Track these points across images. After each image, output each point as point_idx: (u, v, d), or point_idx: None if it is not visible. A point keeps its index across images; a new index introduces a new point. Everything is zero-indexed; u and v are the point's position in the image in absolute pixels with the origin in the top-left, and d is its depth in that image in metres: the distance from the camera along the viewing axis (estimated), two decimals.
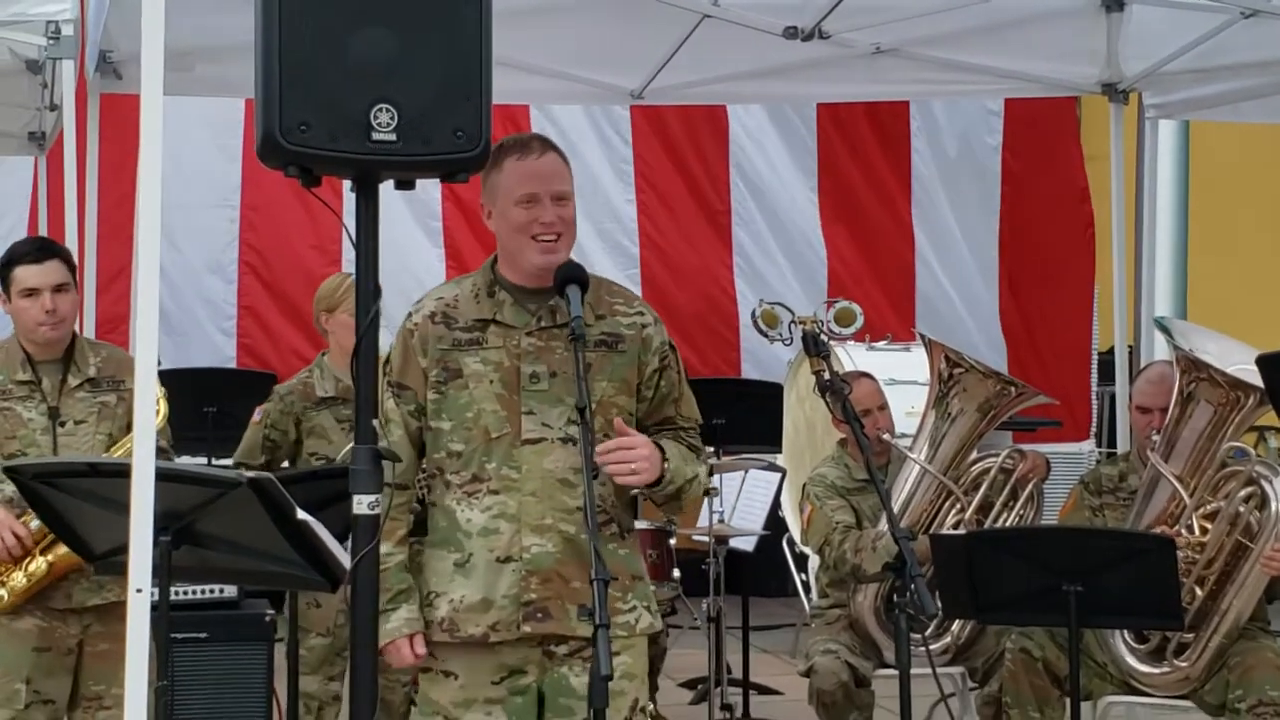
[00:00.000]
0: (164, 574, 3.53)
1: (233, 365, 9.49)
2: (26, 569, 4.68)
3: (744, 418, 7.39)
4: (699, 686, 7.62)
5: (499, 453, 3.73)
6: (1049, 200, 10.50)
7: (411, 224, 9.69)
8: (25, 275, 4.75)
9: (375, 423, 3.36)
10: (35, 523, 4.61)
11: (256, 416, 5.72)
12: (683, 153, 10.38)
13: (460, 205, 9.81)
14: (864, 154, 10.51)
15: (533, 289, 3.79)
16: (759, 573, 8.45)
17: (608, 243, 10.06)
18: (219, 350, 9.49)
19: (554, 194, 3.76)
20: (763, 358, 10.13)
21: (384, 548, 3.60)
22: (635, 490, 3.83)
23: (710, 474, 6.75)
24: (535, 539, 3.71)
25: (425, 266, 9.66)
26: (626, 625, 3.80)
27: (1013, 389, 5.72)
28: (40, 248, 4.84)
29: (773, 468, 7.51)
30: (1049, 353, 10.35)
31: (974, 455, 5.82)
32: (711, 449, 7.31)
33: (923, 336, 6.14)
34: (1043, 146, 10.50)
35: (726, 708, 6.83)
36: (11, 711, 4.72)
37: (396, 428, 3.78)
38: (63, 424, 4.77)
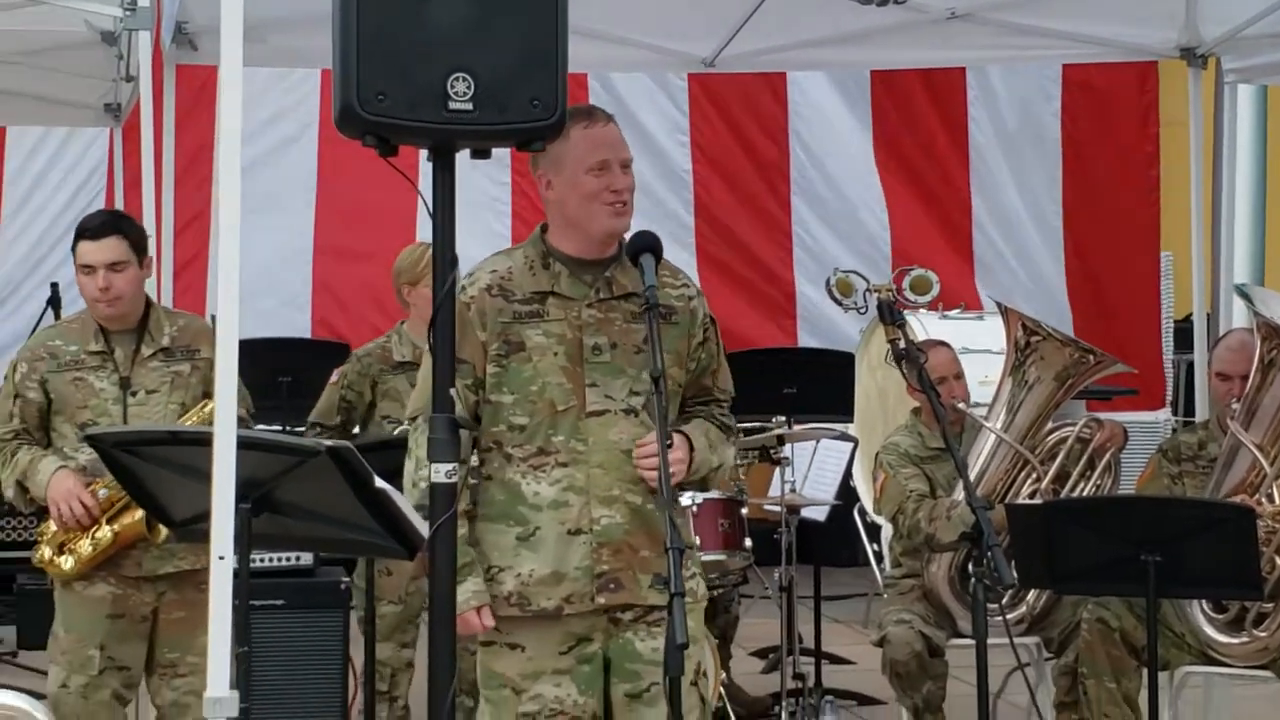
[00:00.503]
0: (244, 542, 3.55)
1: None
2: (93, 536, 4.74)
3: (815, 387, 7.37)
4: (770, 656, 7.62)
5: (565, 425, 3.73)
6: (1112, 167, 10.38)
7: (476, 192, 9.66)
8: (83, 251, 4.79)
9: (452, 391, 3.38)
10: (103, 492, 4.68)
11: (334, 378, 5.83)
12: (740, 122, 10.32)
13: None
14: (922, 122, 10.42)
15: (588, 260, 3.79)
16: (830, 542, 8.42)
17: (663, 211, 10.03)
18: (293, 324, 9.53)
19: (622, 161, 3.78)
20: (821, 326, 10.09)
21: None
22: None
23: (781, 443, 6.79)
24: (604, 510, 3.73)
25: (489, 235, 9.67)
26: (691, 591, 3.81)
27: (1091, 357, 5.66)
28: (103, 224, 4.84)
29: (844, 437, 7.48)
30: (1117, 321, 10.24)
31: (1050, 424, 5.77)
32: (783, 418, 7.31)
33: (999, 305, 6.09)
34: (1104, 112, 10.38)
35: (799, 677, 6.82)
36: (86, 677, 4.79)
37: (455, 402, 3.76)
38: (134, 394, 4.81)
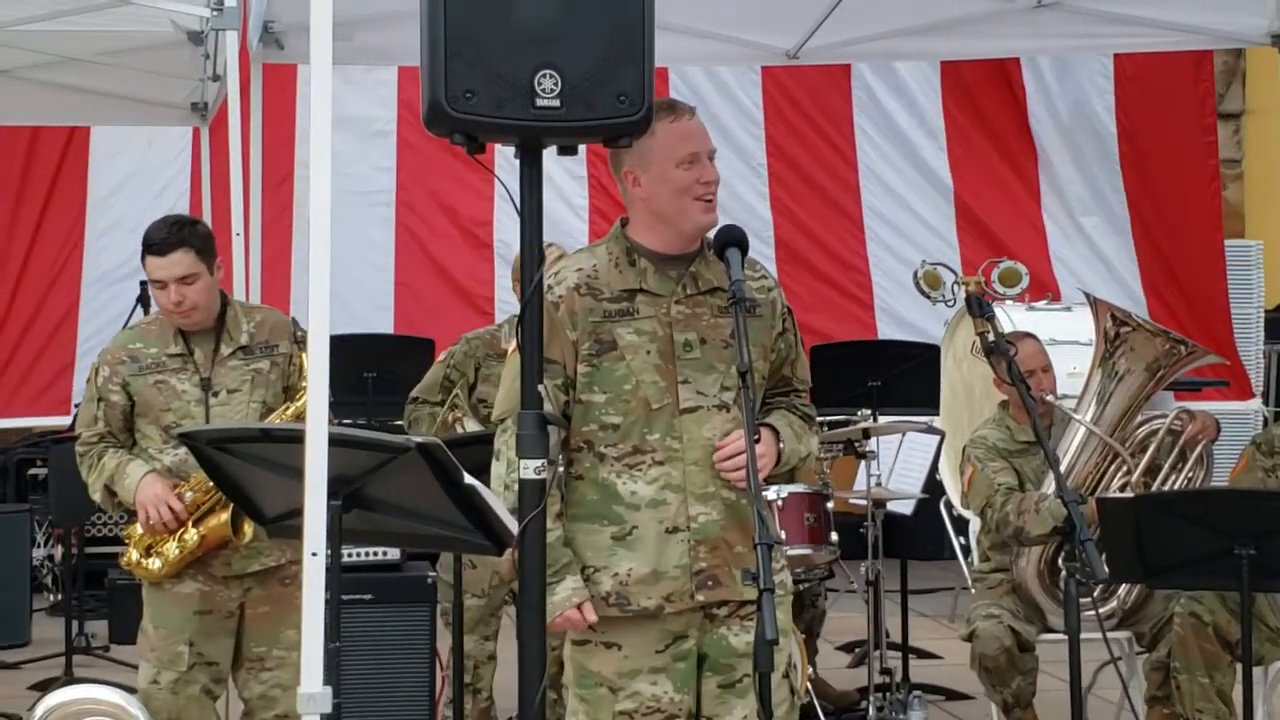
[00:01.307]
0: (335, 538, 3.55)
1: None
2: (180, 539, 4.77)
3: (900, 380, 7.33)
4: (857, 650, 7.59)
5: (660, 423, 3.70)
6: (1171, 158, 10.29)
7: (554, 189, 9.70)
8: (151, 266, 4.78)
9: (541, 388, 3.37)
10: (189, 495, 4.72)
11: (441, 356, 5.98)
12: (810, 114, 10.32)
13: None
14: (988, 113, 10.36)
15: (672, 255, 3.75)
16: (916, 536, 8.38)
17: (740, 204, 10.03)
18: (376, 322, 9.59)
19: (709, 152, 3.76)
20: (898, 317, 10.06)
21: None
22: None
23: (867, 437, 6.76)
24: (701, 508, 3.71)
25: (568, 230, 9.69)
26: (783, 584, 3.82)
27: (1183, 348, 5.60)
28: (166, 237, 4.78)
29: (931, 430, 7.43)
30: (1193, 310, 10.14)
31: (1141, 416, 5.71)
32: (867, 411, 7.28)
33: (1088, 296, 6.03)
34: (1158, 103, 10.30)
35: (886, 672, 6.79)
36: (175, 673, 4.82)
37: (546, 403, 3.66)
38: (215, 394, 4.82)
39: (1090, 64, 10.15)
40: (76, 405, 8.76)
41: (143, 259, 4.81)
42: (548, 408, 3.47)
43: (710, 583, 3.71)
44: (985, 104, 10.32)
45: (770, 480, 3.94)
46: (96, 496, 4.84)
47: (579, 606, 3.68)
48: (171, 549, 4.78)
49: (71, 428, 8.67)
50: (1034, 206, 10.28)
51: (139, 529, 4.80)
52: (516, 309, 5.93)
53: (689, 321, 3.72)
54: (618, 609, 3.72)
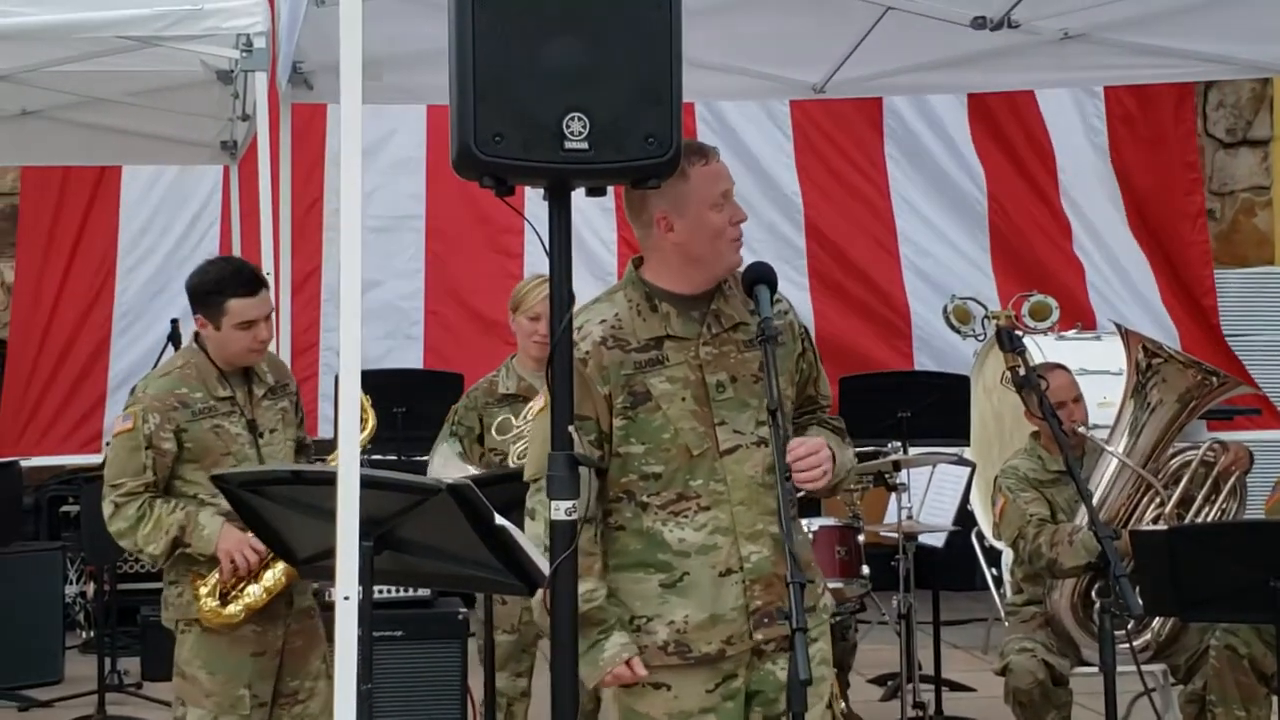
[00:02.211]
0: (366, 579, 3.55)
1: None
2: (261, 581, 4.77)
3: (930, 411, 7.32)
4: (889, 683, 7.56)
5: (703, 469, 3.68)
6: (1158, 195, 10.32)
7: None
8: (243, 308, 4.77)
9: (571, 428, 3.38)
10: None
11: (449, 415, 5.91)
12: (842, 145, 10.33)
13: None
14: (1012, 142, 10.37)
15: (691, 296, 3.73)
16: (948, 567, 8.35)
17: (774, 234, 10.03)
18: (406, 355, 9.62)
19: (732, 192, 3.76)
20: (938, 346, 10.03)
21: (589, 583, 3.59)
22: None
23: (897, 469, 6.74)
24: (752, 546, 3.68)
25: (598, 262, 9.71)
26: (826, 608, 3.83)
27: (1215, 379, 5.58)
28: (252, 276, 4.86)
29: (961, 461, 7.41)
30: (1211, 341, 10.11)
31: (1174, 447, 5.69)
32: (898, 443, 7.26)
33: (1119, 327, 6.01)
34: (1145, 142, 10.32)
35: (919, 705, 6.76)
36: (238, 717, 4.81)
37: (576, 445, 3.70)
38: (261, 435, 4.86)
39: (1085, 105, 10.18)
40: (108, 443, 8.87)
41: (220, 303, 4.77)
42: (578, 448, 3.46)
43: (766, 620, 3.68)
44: (1011, 133, 10.32)
45: (801, 512, 3.91)
46: (152, 548, 4.76)
47: (628, 662, 3.64)
48: (255, 591, 4.77)
49: (103, 464, 8.73)
50: (1065, 236, 10.27)
51: (212, 576, 4.76)
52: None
53: (718, 361, 3.70)
54: (678, 657, 3.69)
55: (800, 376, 3.86)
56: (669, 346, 3.70)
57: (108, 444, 8.69)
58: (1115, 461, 5.67)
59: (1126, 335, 5.80)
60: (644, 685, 3.74)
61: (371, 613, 3.64)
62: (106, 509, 4.84)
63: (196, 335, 4.93)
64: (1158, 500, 5.63)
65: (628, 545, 3.73)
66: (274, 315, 5.05)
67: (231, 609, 4.78)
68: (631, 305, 3.73)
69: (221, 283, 4.83)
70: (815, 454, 3.61)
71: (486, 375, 5.99)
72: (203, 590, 4.79)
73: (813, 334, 3.98)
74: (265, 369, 4.95)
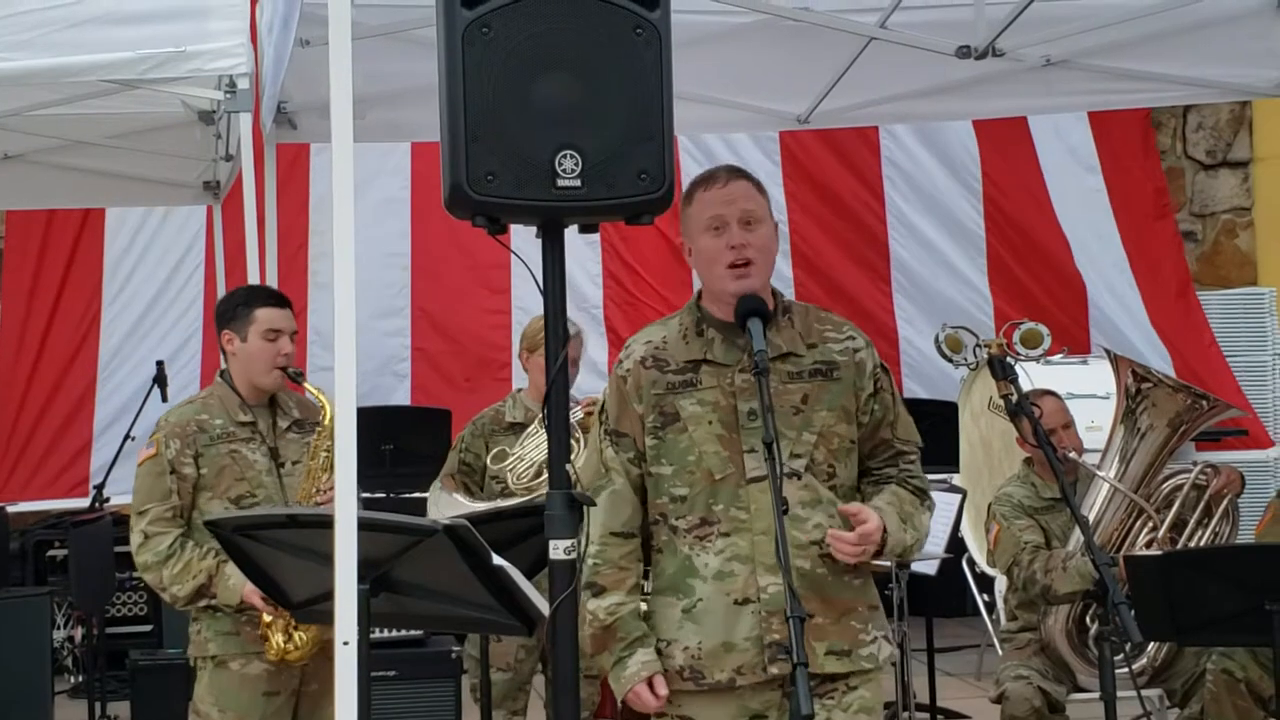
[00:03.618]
0: (363, 622, 3.53)
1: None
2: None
3: (920, 438, 7.29)
4: (885, 712, 7.52)
5: (725, 494, 3.67)
6: (1136, 212, 10.35)
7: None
8: (271, 317, 4.86)
9: (568, 467, 3.36)
10: None
11: (455, 442, 6.03)
12: (834, 174, 10.30)
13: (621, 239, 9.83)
14: (1011, 163, 10.37)
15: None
16: (940, 594, 8.33)
17: None
18: (393, 393, 9.60)
19: (740, 216, 3.70)
20: (928, 373, 10.02)
21: (615, 597, 3.66)
22: None
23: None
24: (771, 578, 3.63)
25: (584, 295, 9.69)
26: (871, 657, 3.72)
27: (1204, 403, 5.59)
28: (277, 293, 5.01)
29: (953, 489, 7.39)
30: (1204, 364, 10.12)
31: (1165, 471, 5.69)
32: None
33: (1108, 352, 6.02)
34: (1122, 168, 10.36)
35: None
36: None
37: (618, 476, 3.74)
38: (282, 464, 4.86)
39: (1074, 130, 10.21)
40: (95, 486, 8.84)
41: (247, 313, 4.87)
42: (576, 488, 3.44)
43: (784, 655, 3.64)
44: (1011, 154, 10.31)
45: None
46: (176, 589, 4.73)
47: (650, 681, 3.66)
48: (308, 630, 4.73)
49: (91, 509, 8.69)
50: (1067, 257, 10.26)
51: (266, 617, 4.71)
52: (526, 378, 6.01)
53: (754, 390, 3.62)
54: (692, 682, 3.68)
55: (870, 418, 3.77)
56: (705, 371, 3.71)
57: (96, 487, 8.76)
58: (1107, 486, 5.67)
59: (1116, 360, 5.81)
60: (671, 718, 3.73)
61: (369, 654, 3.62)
62: (135, 539, 4.80)
63: (223, 373, 4.97)
64: (1150, 525, 5.64)
65: (665, 569, 3.74)
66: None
67: (298, 637, 4.72)
68: (682, 329, 3.77)
69: (250, 295, 4.99)
70: (859, 545, 3.59)
71: (493, 405, 6.05)
72: (272, 632, 4.73)
73: None
74: (292, 404, 4.98)
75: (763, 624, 3.65)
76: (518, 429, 5.81)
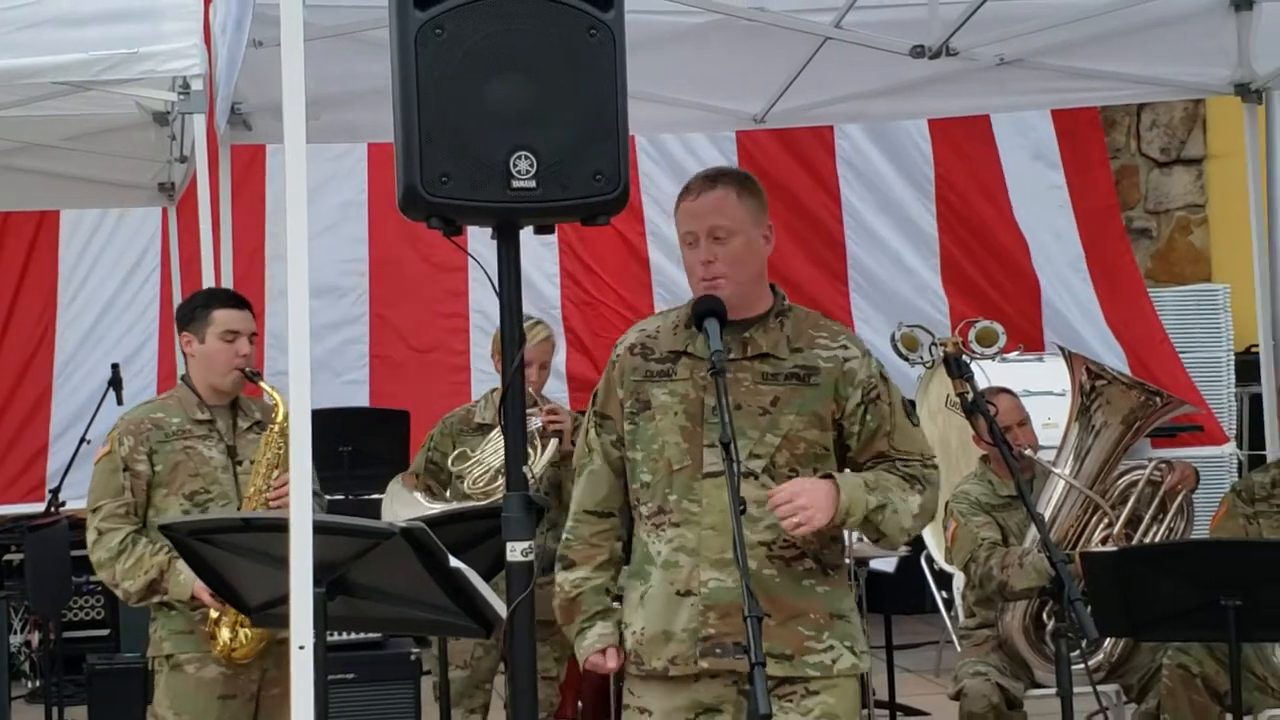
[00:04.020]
0: (320, 626, 3.52)
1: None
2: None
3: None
4: None
5: (680, 485, 3.72)
6: (1093, 209, 10.40)
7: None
8: (228, 318, 4.86)
9: (525, 469, 3.37)
10: None
11: (424, 441, 6.00)
12: (790, 173, 10.27)
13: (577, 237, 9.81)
14: (967, 162, 10.39)
15: (734, 320, 3.73)
16: (898, 591, 8.36)
17: None
18: (352, 397, 9.54)
19: (708, 231, 3.73)
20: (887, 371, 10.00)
21: (582, 572, 3.80)
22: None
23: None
24: (714, 574, 3.68)
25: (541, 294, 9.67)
26: (821, 665, 3.72)
27: (1158, 399, 5.62)
28: (235, 295, 5.02)
29: None
30: (1157, 360, 10.17)
31: (1121, 467, 5.72)
32: None
33: (1063, 350, 6.05)
34: (1079, 156, 10.41)
35: None
36: None
37: (598, 457, 3.85)
38: (239, 463, 4.85)
39: (1038, 127, 10.24)
40: (51, 490, 8.78)
41: (206, 314, 4.87)
42: (532, 489, 3.46)
43: (718, 650, 3.67)
44: (967, 153, 10.32)
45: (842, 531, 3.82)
46: (128, 584, 4.72)
47: (604, 651, 3.77)
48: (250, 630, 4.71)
49: (47, 513, 8.63)
50: (1024, 255, 10.27)
51: (213, 612, 4.69)
52: (495, 379, 6.01)
53: (727, 386, 3.61)
54: (635, 666, 3.77)
55: (862, 428, 3.77)
56: (683, 363, 3.77)
57: (52, 491, 8.69)
58: (1063, 483, 5.69)
59: (1070, 358, 5.84)
60: (632, 708, 3.80)
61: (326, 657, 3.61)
62: (89, 536, 4.82)
63: (184, 376, 4.99)
64: (1106, 521, 5.66)
65: (634, 553, 3.84)
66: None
67: (244, 634, 4.70)
68: (676, 320, 3.83)
69: (209, 297, 5.01)
70: (790, 502, 3.58)
71: (464, 405, 6.06)
72: (219, 627, 4.71)
73: None
74: (254, 407, 4.98)
75: (700, 617, 3.69)
76: (486, 430, 5.80)
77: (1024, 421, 5.85)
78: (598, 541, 3.84)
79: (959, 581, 6.27)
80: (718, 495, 3.65)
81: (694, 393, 3.73)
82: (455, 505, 5.51)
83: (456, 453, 5.77)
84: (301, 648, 3.21)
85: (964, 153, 10.21)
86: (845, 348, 3.81)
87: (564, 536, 3.89)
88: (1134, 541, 5.62)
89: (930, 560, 8.17)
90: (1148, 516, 5.71)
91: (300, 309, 3.23)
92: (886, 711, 7.17)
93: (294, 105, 3.26)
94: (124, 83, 5.49)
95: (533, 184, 3.18)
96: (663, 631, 3.72)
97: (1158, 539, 5.66)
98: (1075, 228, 10.33)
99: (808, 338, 3.79)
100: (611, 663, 3.77)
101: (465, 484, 5.64)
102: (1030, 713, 5.72)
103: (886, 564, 7.36)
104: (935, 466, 3.88)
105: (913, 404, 3.88)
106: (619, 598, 3.87)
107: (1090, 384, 5.70)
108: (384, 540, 3.53)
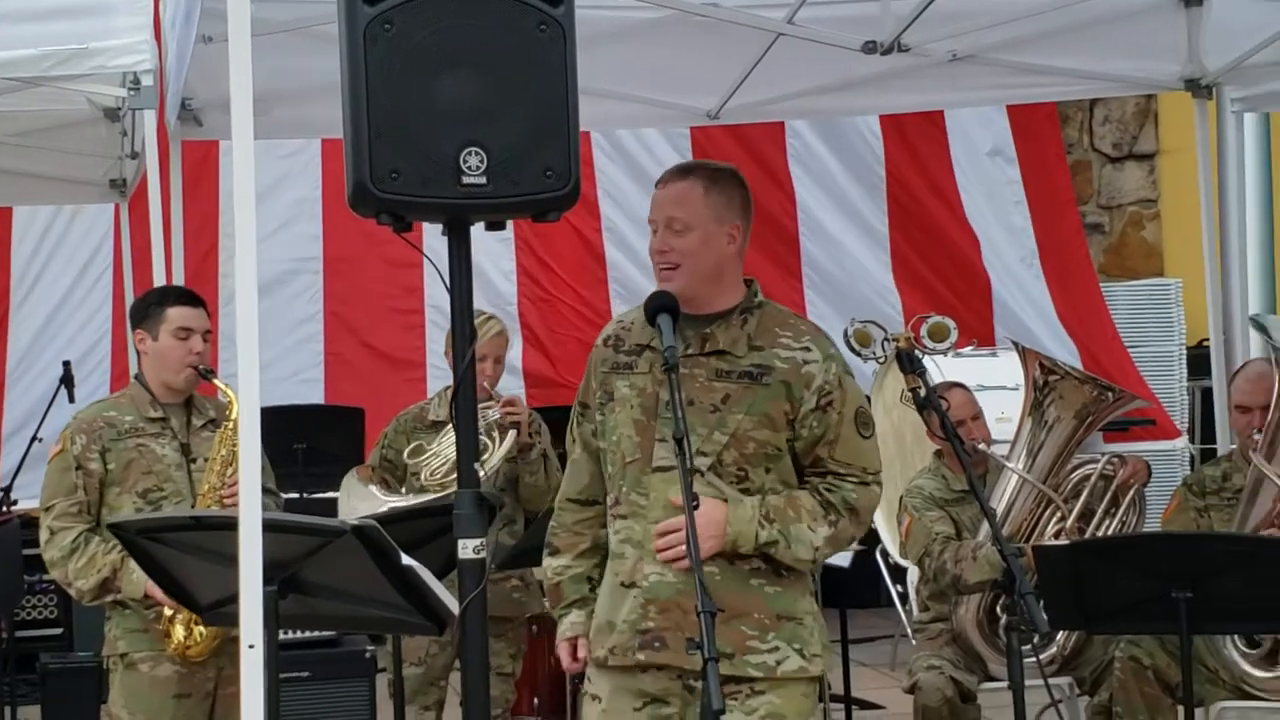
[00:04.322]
0: (271, 624, 3.51)
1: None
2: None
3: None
4: None
5: (631, 478, 3.75)
6: (1048, 205, 10.45)
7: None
8: (182, 315, 4.83)
9: (476, 466, 3.36)
10: None
11: (379, 439, 5.98)
12: (744, 169, 10.18)
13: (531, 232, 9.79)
14: (917, 157, 10.41)
15: (695, 315, 3.75)
16: (853, 585, 8.38)
17: None
18: (307, 395, 9.50)
19: (667, 220, 3.75)
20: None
21: (564, 560, 3.88)
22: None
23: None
24: (655, 568, 3.69)
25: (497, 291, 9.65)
26: (763, 665, 3.71)
27: (1110, 394, 5.65)
28: (189, 292, 5.00)
29: None
30: (1108, 354, 10.22)
31: (1074, 461, 5.75)
32: None
33: (1016, 344, 6.08)
34: (1034, 151, 10.46)
35: None
36: None
37: (579, 446, 3.91)
38: (194, 460, 4.83)
39: (994, 123, 10.27)
40: (3, 489, 8.71)
41: (159, 312, 4.85)
42: (484, 486, 3.45)
43: (656, 644, 3.68)
44: (917, 148, 10.35)
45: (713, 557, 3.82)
46: (81, 583, 4.70)
47: (574, 642, 3.85)
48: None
49: None
50: (975, 251, 10.30)
51: (167, 611, 4.66)
52: (450, 376, 5.98)
53: (681, 381, 3.61)
54: (590, 653, 3.83)
55: (809, 433, 3.75)
56: (645, 356, 3.78)
57: (4, 489, 8.62)
58: (1016, 477, 5.72)
59: (1024, 353, 5.86)
60: (588, 695, 3.84)
61: (277, 654, 3.60)
62: (42, 535, 4.80)
63: (138, 375, 4.97)
64: (1059, 515, 5.68)
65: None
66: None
67: (199, 631, 4.66)
68: (647, 314, 3.77)
69: (162, 295, 4.99)
70: (666, 534, 3.64)
71: (418, 402, 6.04)
72: (174, 624, 4.68)
73: None
74: (208, 405, 4.96)
75: (640, 610, 3.71)
76: (440, 427, 5.78)
77: (977, 416, 5.87)
78: (580, 529, 3.90)
79: (913, 576, 6.29)
80: (664, 490, 3.67)
81: (651, 387, 3.74)
82: (410, 500, 5.49)
83: (412, 446, 5.76)
84: (251, 646, 3.19)
85: (916, 150, 10.24)
86: (806, 350, 3.77)
87: (550, 524, 3.97)
88: (1086, 535, 5.64)
89: (885, 554, 8.20)
90: (1100, 510, 5.73)
91: (249, 305, 3.21)
92: (841, 705, 7.18)
93: (241, 102, 3.24)
94: (74, 78, 5.45)
95: (483, 180, 3.18)
96: (607, 621, 3.75)
97: (1110, 533, 5.68)
98: (1030, 223, 10.37)
99: (771, 336, 3.77)
100: (579, 654, 3.83)
101: (423, 476, 5.62)
102: (984, 706, 5.74)
103: (842, 559, 7.36)
104: (877, 481, 3.83)
105: (868, 418, 3.84)
106: None
107: (1043, 379, 5.72)
108: (336, 538, 3.53)
